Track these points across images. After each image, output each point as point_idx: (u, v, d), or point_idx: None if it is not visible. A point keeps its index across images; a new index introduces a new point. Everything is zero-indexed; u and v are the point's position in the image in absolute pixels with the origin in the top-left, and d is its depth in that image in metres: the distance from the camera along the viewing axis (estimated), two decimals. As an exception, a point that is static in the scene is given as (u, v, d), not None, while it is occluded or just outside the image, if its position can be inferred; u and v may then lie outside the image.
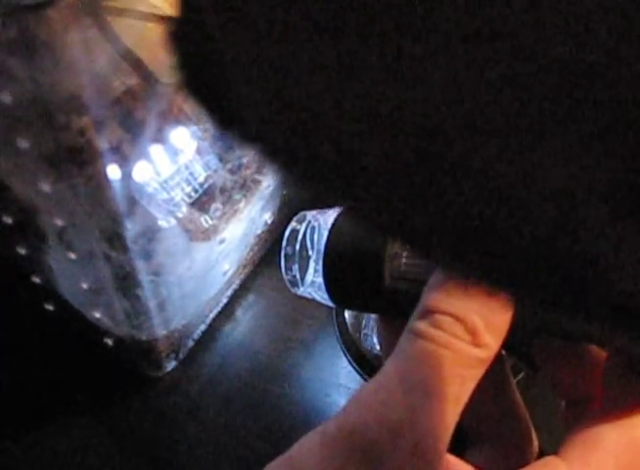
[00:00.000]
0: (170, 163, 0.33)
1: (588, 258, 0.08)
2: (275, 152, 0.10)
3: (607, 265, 0.08)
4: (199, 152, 0.35)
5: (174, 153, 0.33)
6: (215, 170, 0.37)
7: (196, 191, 0.36)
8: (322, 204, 0.28)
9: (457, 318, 0.18)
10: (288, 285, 0.28)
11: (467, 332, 0.18)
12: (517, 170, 0.08)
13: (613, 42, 0.06)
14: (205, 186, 0.36)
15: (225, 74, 0.09)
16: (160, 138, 0.32)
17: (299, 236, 0.27)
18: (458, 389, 0.18)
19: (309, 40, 0.08)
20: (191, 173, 0.35)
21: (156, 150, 0.32)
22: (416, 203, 0.09)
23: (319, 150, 0.09)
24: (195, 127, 0.34)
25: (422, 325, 0.19)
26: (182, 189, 0.35)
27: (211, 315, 0.45)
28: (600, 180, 0.07)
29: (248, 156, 0.39)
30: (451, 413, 0.18)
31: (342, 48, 0.08)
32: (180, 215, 0.35)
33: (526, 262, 0.09)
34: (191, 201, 0.36)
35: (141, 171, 0.31)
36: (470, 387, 0.18)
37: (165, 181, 0.34)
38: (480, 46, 0.07)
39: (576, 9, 0.06)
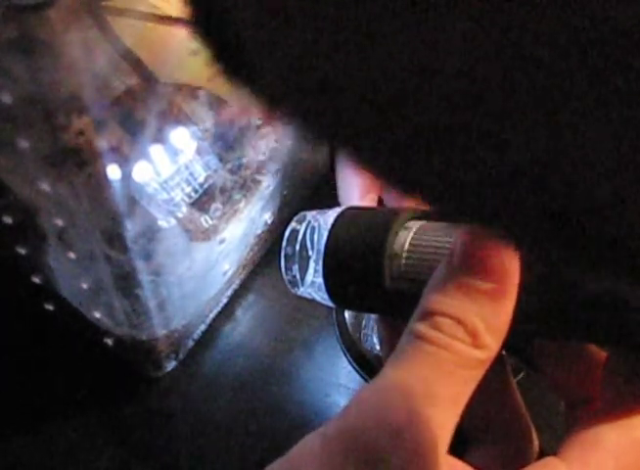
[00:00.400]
0: (170, 163, 0.33)
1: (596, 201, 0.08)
2: (298, 111, 0.10)
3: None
4: (199, 152, 0.35)
5: (174, 153, 0.33)
6: (215, 170, 0.37)
7: (196, 191, 0.36)
8: (322, 204, 0.28)
9: (457, 320, 0.18)
10: (288, 285, 0.28)
11: (467, 334, 0.18)
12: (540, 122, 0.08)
13: None
14: (205, 186, 0.36)
15: (242, 32, 0.09)
16: (159, 138, 0.32)
17: (299, 236, 0.27)
18: (458, 390, 0.18)
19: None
20: (191, 173, 0.35)
21: (156, 150, 0.32)
22: (444, 161, 0.09)
23: (345, 108, 0.09)
24: (195, 127, 0.34)
25: (422, 327, 0.19)
26: (182, 189, 0.35)
27: (211, 315, 0.45)
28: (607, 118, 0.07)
29: (248, 156, 0.39)
30: (451, 415, 0.18)
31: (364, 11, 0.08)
32: (180, 216, 0.35)
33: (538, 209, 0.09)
34: (191, 201, 0.36)
35: (141, 171, 0.31)
36: (470, 388, 0.19)
37: (165, 181, 0.34)
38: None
39: None
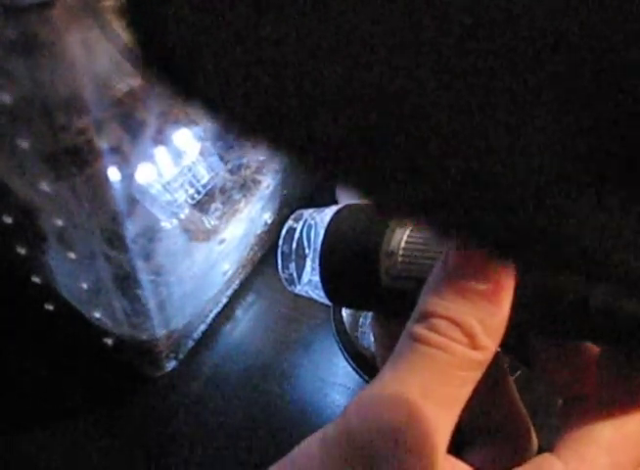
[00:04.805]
0: (173, 164, 0.34)
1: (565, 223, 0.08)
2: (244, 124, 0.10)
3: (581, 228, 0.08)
4: (202, 154, 0.35)
5: (177, 155, 0.34)
6: (217, 172, 0.37)
7: (199, 193, 0.36)
8: (318, 199, 0.28)
9: (454, 322, 0.18)
10: (284, 283, 0.28)
11: (464, 335, 0.18)
12: (497, 141, 0.08)
13: (587, 15, 0.06)
14: (208, 187, 0.37)
15: (189, 45, 0.09)
16: (162, 139, 0.32)
17: (296, 234, 0.27)
18: (456, 391, 0.18)
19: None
20: (194, 175, 0.35)
21: (159, 151, 0.32)
22: (404, 173, 0.09)
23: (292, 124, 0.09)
24: (197, 128, 0.34)
25: (419, 329, 0.19)
26: (185, 191, 0.35)
27: (211, 315, 0.45)
28: (580, 148, 0.07)
29: (248, 156, 0.39)
30: (450, 415, 0.18)
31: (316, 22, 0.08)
32: (182, 217, 0.35)
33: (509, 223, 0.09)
34: (193, 202, 0.36)
35: (144, 173, 0.31)
36: (468, 389, 0.19)
37: (168, 183, 0.34)
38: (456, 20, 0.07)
39: None
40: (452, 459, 0.20)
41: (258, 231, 0.46)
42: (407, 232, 0.23)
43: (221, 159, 0.37)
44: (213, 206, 0.38)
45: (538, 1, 0.07)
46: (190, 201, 0.36)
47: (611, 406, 0.19)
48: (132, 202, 0.32)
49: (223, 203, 0.38)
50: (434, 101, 0.08)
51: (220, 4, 0.09)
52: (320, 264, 0.24)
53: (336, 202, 0.40)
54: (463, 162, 0.08)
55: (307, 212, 0.27)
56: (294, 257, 0.27)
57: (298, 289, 0.27)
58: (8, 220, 0.36)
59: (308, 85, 0.08)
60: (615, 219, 0.08)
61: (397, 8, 0.07)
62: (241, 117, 0.10)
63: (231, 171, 0.38)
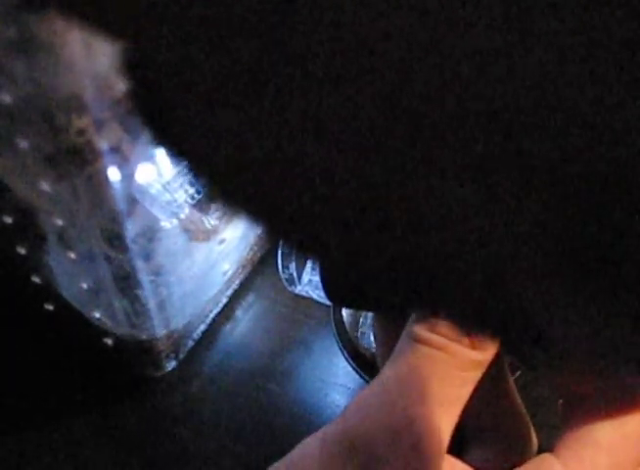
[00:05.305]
0: (173, 164, 0.34)
1: (518, 306, 0.08)
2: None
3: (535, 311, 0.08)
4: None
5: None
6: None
7: (199, 193, 0.36)
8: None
9: None
10: (284, 283, 0.28)
11: (464, 335, 0.18)
12: (442, 217, 0.08)
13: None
14: (208, 187, 0.36)
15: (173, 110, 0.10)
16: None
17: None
18: (457, 391, 0.18)
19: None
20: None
21: (159, 151, 0.32)
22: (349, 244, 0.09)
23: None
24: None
25: (419, 330, 0.19)
26: (185, 191, 0.35)
27: (211, 315, 0.45)
28: (530, 228, 0.07)
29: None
30: (450, 415, 0.18)
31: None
32: (182, 217, 0.35)
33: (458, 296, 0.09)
34: (193, 202, 0.36)
35: (144, 173, 0.31)
36: (468, 389, 0.19)
37: (168, 183, 0.34)
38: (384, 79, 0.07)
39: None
40: (452, 459, 0.20)
41: (258, 231, 0.46)
42: None
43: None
44: (213, 206, 0.38)
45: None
46: (190, 201, 0.36)
47: (611, 406, 0.19)
48: (132, 202, 0.32)
49: (223, 203, 0.38)
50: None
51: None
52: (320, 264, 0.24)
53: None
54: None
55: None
56: (294, 256, 0.27)
57: (299, 289, 0.27)
58: (8, 220, 0.36)
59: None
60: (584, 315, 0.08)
61: None
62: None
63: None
